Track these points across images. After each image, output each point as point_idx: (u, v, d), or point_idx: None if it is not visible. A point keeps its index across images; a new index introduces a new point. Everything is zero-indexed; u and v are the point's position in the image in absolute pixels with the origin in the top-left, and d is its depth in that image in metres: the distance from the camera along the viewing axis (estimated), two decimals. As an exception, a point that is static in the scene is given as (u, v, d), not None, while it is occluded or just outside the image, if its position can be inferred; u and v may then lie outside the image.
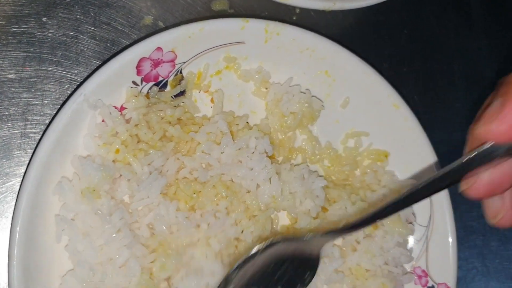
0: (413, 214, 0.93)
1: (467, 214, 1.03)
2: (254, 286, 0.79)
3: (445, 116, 1.07)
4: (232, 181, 0.86)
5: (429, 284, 0.91)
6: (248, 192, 0.85)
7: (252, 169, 0.84)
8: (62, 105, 0.81)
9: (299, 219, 0.87)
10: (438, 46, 1.08)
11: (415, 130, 0.92)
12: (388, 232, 0.89)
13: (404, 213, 0.91)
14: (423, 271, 0.92)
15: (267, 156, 0.86)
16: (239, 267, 0.78)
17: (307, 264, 0.82)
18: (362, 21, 1.04)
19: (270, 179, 0.85)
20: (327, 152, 0.94)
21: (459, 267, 0.94)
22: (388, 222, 0.89)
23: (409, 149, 0.93)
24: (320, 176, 0.90)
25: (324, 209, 0.89)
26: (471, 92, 1.08)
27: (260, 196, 0.85)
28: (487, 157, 0.62)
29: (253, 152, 0.85)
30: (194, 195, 0.82)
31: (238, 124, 0.88)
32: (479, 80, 1.10)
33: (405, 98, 0.92)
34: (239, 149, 0.85)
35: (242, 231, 0.84)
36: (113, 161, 0.82)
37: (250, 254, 0.79)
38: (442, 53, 1.08)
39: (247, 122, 0.91)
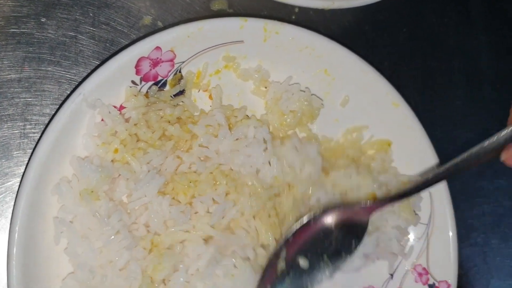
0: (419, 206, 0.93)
1: (468, 212, 1.03)
2: (302, 255, 0.84)
3: (445, 114, 1.06)
4: (231, 169, 0.86)
5: (430, 282, 0.91)
6: (247, 176, 0.86)
7: (250, 156, 0.85)
8: (61, 105, 0.81)
9: (300, 185, 0.87)
10: (438, 44, 1.08)
11: (414, 128, 0.92)
12: (395, 213, 0.89)
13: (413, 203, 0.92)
14: (424, 268, 0.91)
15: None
16: (293, 235, 0.84)
17: (355, 232, 0.85)
18: (361, 19, 1.04)
19: (269, 162, 0.86)
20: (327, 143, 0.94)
21: (460, 265, 0.94)
22: (399, 207, 0.90)
23: (409, 147, 0.93)
24: (312, 141, 0.91)
25: (325, 172, 0.89)
26: (471, 90, 1.08)
27: (262, 179, 0.86)
28: None
29: (251, 142, 0.85)
30: (191, 184, 0.82)
31: (236, 116, 0.88)
32: (479, 78, 1.09)
33: (404, 96, 0.92)
34: (236, 139, 0.85)
35: (243, 214, 0.84)
36: (112, 161, 0.82)
37: (302, 223, 0.84)
38: (441, 51, 1.08)
39: (247, 115, 0.91)
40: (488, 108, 1.08)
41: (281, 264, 0.83)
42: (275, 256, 0.84)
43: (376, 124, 0.94)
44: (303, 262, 0.84)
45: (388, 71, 0.94)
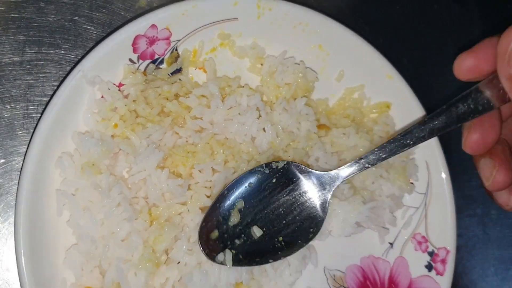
0: (416, 175, 0.94)
1: (467, 184, 1.04)
2: (258, 224, 0.83)
3: (439, 90, 1.07)
4: (227, 138, 0.88)
5: (429, 249, 0.91)
6: (242, 144, 0.88)
7: (243, 124, 0.86)
8: (61, 83, 0.83)
9: (301, 141, 0.89)
10: (431, 20, 1.08)
11: (409, 99, 0.93)
12: (389, 180, 0.90)
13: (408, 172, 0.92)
14: (423, 237, 0.92)
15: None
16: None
17: (313, 216, 0.84)
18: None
19: (263, 128, 0.87)
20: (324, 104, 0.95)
21: (460, 235, 0.95)
22: (395, 174, 0.90)
23: (404, 118, 0.94)
24: (301, 98, 0.91)
25: (326, 127, 0.91)
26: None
27: (259, 146, 0.87)
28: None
29: (244, 110, 0.87)
30: (189, 154, 0.84)
31: (231, 86, 0.90)
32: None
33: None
34: (230, 108, 0.87)
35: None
36: (112, 136, 0.84)
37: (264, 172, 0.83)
38: (435, 27, 1.09)
39: (241, 85, 0.92)
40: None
41: (235, 216, 0.82)
42: (230, 203, 0.82)
43: (371, 97, 0.96)
44: (256, 231, 0.82)
45: (382, 48, 0.95)
